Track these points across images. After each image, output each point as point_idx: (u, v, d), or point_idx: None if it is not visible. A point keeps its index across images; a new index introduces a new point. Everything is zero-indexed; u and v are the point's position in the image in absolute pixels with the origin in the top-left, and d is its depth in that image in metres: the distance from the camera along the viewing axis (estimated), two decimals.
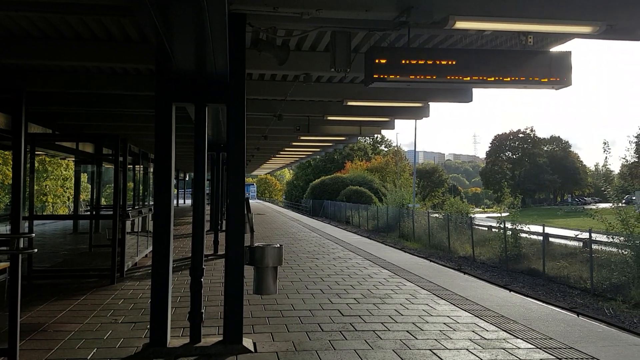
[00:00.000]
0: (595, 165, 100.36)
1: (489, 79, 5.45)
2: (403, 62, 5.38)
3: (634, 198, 31.26)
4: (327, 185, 54.31)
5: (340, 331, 5.75)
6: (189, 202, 43.28)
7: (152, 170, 14.33)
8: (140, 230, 10.82)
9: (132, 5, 4.09)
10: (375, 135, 67.25)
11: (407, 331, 5.80)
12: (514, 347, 5.29)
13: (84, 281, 8.48)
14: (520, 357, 4.96)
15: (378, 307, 6.95)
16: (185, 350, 4.98)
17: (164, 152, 5.25)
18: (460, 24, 5.17)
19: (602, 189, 19.74)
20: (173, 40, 4.09)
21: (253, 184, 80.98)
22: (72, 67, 9.00)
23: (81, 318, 6.16)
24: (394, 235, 31.44)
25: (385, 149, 78.42)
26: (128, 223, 9.26)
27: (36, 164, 9.29)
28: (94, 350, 4.99)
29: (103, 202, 14.53)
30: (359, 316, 6.42)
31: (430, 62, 5.42)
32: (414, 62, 5.40)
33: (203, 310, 5.25)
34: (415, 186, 42.45)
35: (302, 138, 16.77)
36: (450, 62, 5.42)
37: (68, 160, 24.20)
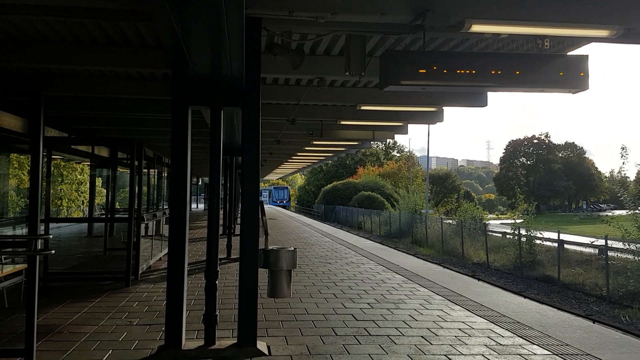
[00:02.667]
0: (610, 172, 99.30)
1: (505, 83, 5.41)
2: (418, 66, 5.37)
3: None
4: (339, 191, 54.23)
5: (354, 335, 5.73)
6: (201, 206, 43.49)
7: (166, 174, 14.43)
8: (154, 233, 10.88)
9: (152, 10, 4.13)
10: (388, 141, 67.19)
11: (421, 336, 5.76)
12: (530, 353, 5.23)
13: (98, 284, 8.53)
14: None
15: (392, 312, 6.91)
16: (199, 353, 4.99)
17: (180, 155, 5.28)
18: (477, 28, 5.15)
19: (618, 195, 19.50)
20: (191, 44, 4.12)
21: (287, 187, 69.85)
22: (88, 71, 9.11)
23: (96, 320, 6.20)
24: (406, 241, 31.28)
25: (398, 155, 78.20)
26: (143, 226, 9.32)
27: (52, 168, 9.38)
28: (110, 352, 5.02)
29: (117, 205, 14.61)
30: (373, 321, 6.39)
31: (446, 66, 5.40)
32: (429, 65, 5.38)
33: (217, 313, 5.25)
34: (428, 192, 42.27)
35: (314, 143, 16.78)
36: (465, 66, 5.40)
37: (83, 164, 24.41)
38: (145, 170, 12.20)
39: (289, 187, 71.03)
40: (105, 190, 18.84)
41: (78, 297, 7.46)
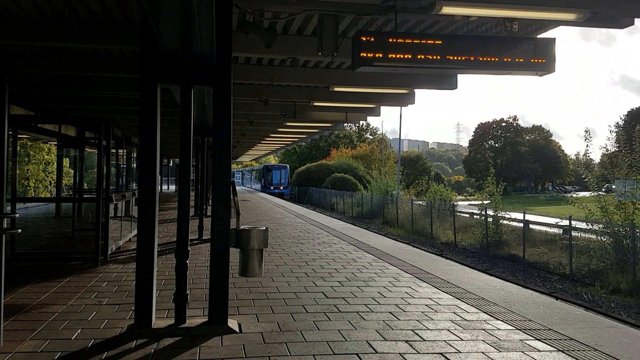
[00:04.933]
0: (576, 155, 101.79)
1: (474, 64, 5.50)
2: (390, 46, 5.41)
3: (613, 187, 31.71)
4: (312, 172, 54.37)
5: (324, 312, 5.82)
6: (172, 187, 43.03)
7: (135, 154, 14.22)
8: (123, 214, 10.76)
9: None
10: (361, 123, 67.38)
11: (390, 312, 5.88)
12: (494, 328, 5.40)
13: (67, 264, 8.43)
14: (501, 338, 5.07)
15: (362, 289, 7.03)
16: (170, 331, 5.00)
17: (148, 134, 5.22)
18: (447, 10, 5.21)
19: (583, 177, 20.01)
20: (159, 19, 4.06)
21: (286, 166, 57.51)
22: (55, 48, 8.89)
23: (65, 300, 6.15)
24: (377, 222, 31.65)
25: (371, 137, 78.63)
26: (112, 207, 9.21)
27: (18, 148, 9.18)
28: (79, 331, 5.00)
29: (85, 186, 14.40)
30: (343, 298, 6.49)
31: (417, 47, 5.46)
32: (401, 46, 5.43)
33: (188, 292, 5.27)
34: (400, 174, 42.65)
35: (288, 124, 16.78)
36: (436, 47, 5.46)
37: (50, 144, 23.86)
38: (114, 150, 12.01)
39: (287, 166, 57.74)
40: (72, 171, 18.52)
41: (46, 277, 7.36)
